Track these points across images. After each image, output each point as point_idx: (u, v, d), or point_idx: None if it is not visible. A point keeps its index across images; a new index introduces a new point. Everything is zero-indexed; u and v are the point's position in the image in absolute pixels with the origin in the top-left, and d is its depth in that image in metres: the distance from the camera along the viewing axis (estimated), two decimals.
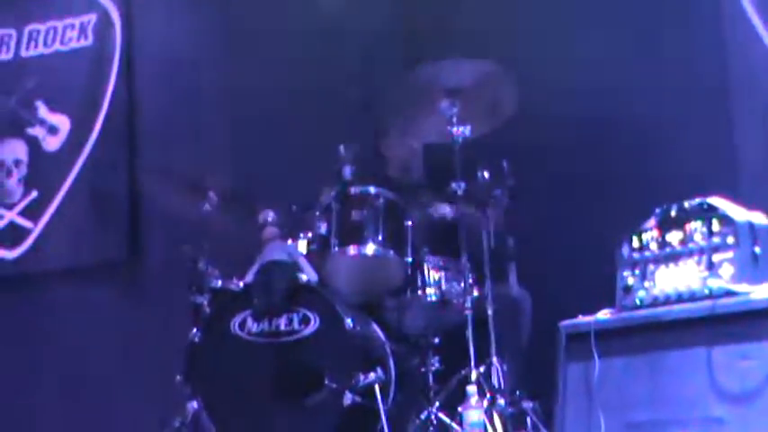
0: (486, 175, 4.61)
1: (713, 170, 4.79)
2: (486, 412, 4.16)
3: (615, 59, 5.16)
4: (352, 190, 4.68)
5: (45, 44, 6.55)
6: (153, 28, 6.39)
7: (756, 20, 5.07)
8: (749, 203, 3.68)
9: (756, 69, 5.05)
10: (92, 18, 6.48)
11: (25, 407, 5.74)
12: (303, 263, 4.58)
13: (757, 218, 3.59)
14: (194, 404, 4.45)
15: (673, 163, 4.93)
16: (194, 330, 4.57)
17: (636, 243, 3.69)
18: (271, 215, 4.86)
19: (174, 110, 6.14)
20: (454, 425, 4.26)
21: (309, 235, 4.72)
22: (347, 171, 4.73)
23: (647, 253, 3.66)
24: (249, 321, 4.46)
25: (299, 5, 5.79)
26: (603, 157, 5.12)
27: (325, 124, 5.38)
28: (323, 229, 4.65)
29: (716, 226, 3.55)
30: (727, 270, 3.49)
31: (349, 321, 4.36)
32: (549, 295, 4.67)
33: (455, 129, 4.61)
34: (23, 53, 6.59)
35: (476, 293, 4.58)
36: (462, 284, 4.58)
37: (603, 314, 3.70)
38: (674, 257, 3.61)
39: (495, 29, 5.32)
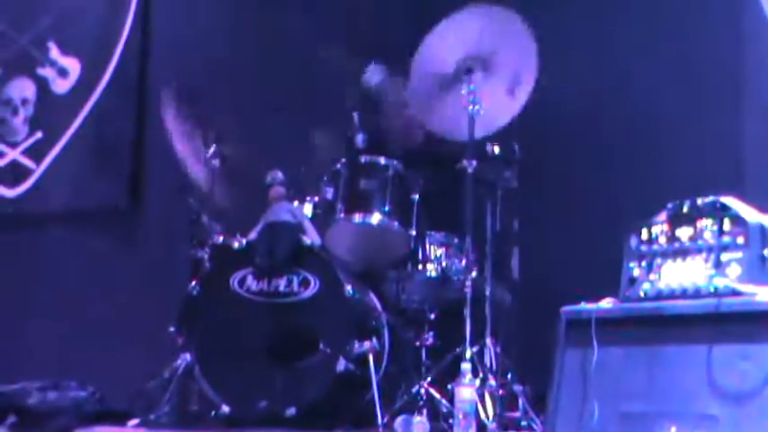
0: (496, 150, 4.61)
1: (722, 167, 4.80)
2: (476, 391, 4.19)
3: (632, 56, 5.15)
4: (363, 158, 4.69)
5: None
6: None
7: None
8: (756, 202, 3.68)
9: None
10: None
11: (18, 348, 5.73)
12: (308, 226, 4.60)
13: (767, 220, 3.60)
14: (186, 357, 4.46)
15: (682, 158, 4.96)
16: (193, 283, 4.57)
17: (645, 235, 3.68)
18: (279, 175, 4.85)
19: (189, 63, 6.08)
20: (443, 401, 4.28)
21: (316, 199, 4.74)
22: (360, 139, 4.75)
23: (655, 246, 3.66)
24: (249, 279, 4.48)
25: None
26: (615, 147, 5.13)
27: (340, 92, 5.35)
28: (330, 194, 4.67)
29: (727, 225, 3.54)
30: (734, 270, 3.49)
31: (349, 288, 4.38)
32: (550, 281, 4.69)
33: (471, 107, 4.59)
34: None
35: (475, 273, 4.55)
36: (463, 262, 4.59)
37: (606, 303, 3.70)
38: (682, 253, 3.60)
39: None
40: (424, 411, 4.25)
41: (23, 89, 6.50)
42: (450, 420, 4.15)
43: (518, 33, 4.51)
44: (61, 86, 6.45)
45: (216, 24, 6.10)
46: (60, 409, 4.47)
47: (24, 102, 6.49)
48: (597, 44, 5.23)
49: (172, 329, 4.54)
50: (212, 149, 4.82)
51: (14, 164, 6.44)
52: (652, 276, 3.63)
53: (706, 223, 3.58)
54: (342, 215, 4.60)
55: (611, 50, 5.19)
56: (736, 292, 3.44)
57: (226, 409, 4.36)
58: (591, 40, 5.24)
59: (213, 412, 4.40)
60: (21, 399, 4.51)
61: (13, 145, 6.46)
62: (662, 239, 3.66)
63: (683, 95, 5.06)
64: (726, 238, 3.53)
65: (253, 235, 4.60)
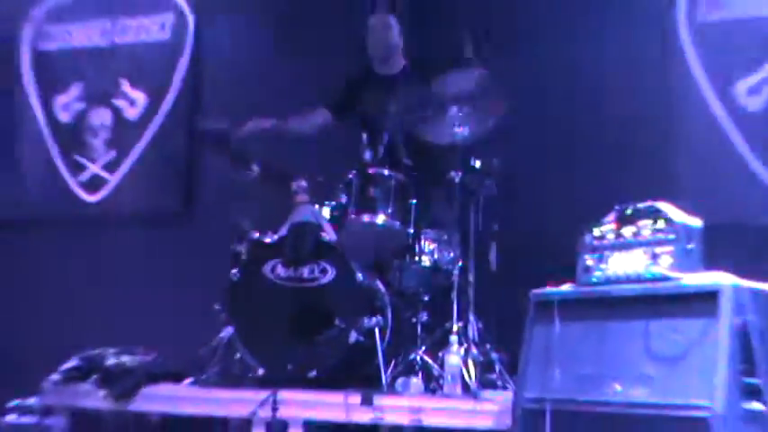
0: (478, 164, 4.57)
1: (657, 179, 4.79)
2: (462, 358, 4.17)
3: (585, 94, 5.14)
4: (370, 170, 4.66)
5: (133, 35, 6.52)
6: (218, 28, 6.34)
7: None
8: (682, 206, 3.67)
9: (691, 104, 5.07)
10: (170, 17, 6.44)
11: (98, 321, 5.72)
12: (326, 225, 4.56)
13: (692, 221, 3.57)
14: (229, 329, 4.45)
15: (626, 172, 4.95)
16: (233, 271, 4.55)
17: (597, 233, 3.66)
18: (303, 184, 4.80)
19: (230, 96, 6.06)
20: (435, 365, 4.27)
21: (332, 203, 4.70)
22: (367, 155, 4.72)
23: (605, 241, 3.63)
24: (279, 268, 4.45)
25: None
26: (575, 164, 5.12)
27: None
28: (343, 199, 4.65)
29: (661, 225, 3.52)
30: (666, 260, 3.47)
31: (359, 275, 4.36)
32: (521, 270, 4.63)
33: (457, 128, 4.56)
34: (116, 40, 6.55)
35: (461, 264, 4.53)
36: (451, 255, 4.57)
37: (566, 287, 3.68)
38: (626, 246, 3.58)
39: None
40: (420, 374, 4.24)
41: (102, 117, 6.50)
42: (441, 381, 4.15)
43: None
44: (131, 114, 6.44)
45: (256, 59, 6.05)
46: (132, 370, 4.44)
47: (103, 126, 6.49)
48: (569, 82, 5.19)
49: (217, 308, 4.53)
50: (255, 168, 4.82)
51: (95, 176, 6.44)
52: (602, 266, 3.61)
53: (645, 223, 3.56)
54: (353, 216, 4.58)
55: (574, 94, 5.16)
56: (667, 278, 3.43)
57: (260, 371, 4.34)
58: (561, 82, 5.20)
59: (250, 374, 4.39)
60: (102, 361, 4.49)
61: (94, 161, 6.47)
62: (610, 236, 3.63)
63: (627, 129, 5.06)
64: (660, 235, 3.51)
65: (282, 232, 4.57)
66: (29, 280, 6.17)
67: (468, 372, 4.16)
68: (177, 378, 4.48)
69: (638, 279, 3.50)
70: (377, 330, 4.27)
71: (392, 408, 3.97)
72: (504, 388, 4.25)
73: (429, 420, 3.92)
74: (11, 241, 6.31)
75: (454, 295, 4.40)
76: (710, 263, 3.51)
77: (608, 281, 3.57)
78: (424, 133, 4.73)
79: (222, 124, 4.91)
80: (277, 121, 5.11)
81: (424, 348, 4.36)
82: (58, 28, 6.65)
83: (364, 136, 4.76)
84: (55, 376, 4.46)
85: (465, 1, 5.52)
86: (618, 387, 3.35)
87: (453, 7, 5.51)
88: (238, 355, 4.46)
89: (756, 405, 3.19)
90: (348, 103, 5.20)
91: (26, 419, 4.42)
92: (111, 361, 4.49)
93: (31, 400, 4.46)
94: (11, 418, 4.46)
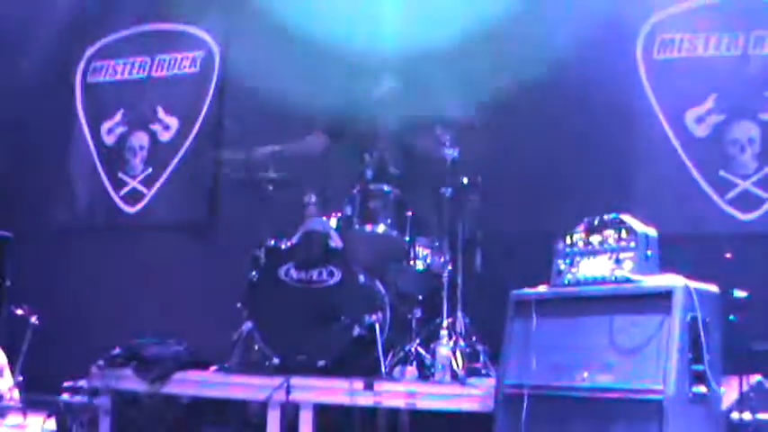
0: (465, 180, 4.58)
1: (618, 195, 4.78)
2: (451, 349, 4.17)
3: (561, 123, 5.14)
4: (372, 186, 4.66)
5: (168, 69, 6.52)
6: (241, 63, 6.29)
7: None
8: (643, 216, 3.68)
9: (649, 129, 5.09)
10: (201, 53, 6.44)
11: (136, 317, 5.72)
12: (333, 233, 4.56)
13: (651, 231, 3.59)
14: (249, 324, 4.45)
15: (593, 189, 4.94)
16: (253, 273, 4.56)
17: (568, 240, 3.69)
18: (313, 198, 4.81)
19: (249, 122, 6.04)
20: (428, 356, 4.27)
21: (339, 214, 4.70)
22: (369, 173, 4.72)
23: (575, 248, 3.67)
24: (292, 270, 4.46)
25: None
26: (548, 182, 5.10)
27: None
28: (348, 211, 4.65)
29: (624, 234, 3.56)
30: (628, 265, 3.51)
31: (361, 277, 4.37)
32: (503, 273, 4.59)
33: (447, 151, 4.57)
34: (153, 74, 6.55)
35: (450, 267, 4.52)
36: (442, 260, 4.57)
37: (542, 288, 3.70)
38: (593, 253, 3.61)
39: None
40: (414, 363, 4.24)
41: (141, 139, 6.49)
42: (433, 370, 4.16)
43: None
44: (165, 137, 6.44)
45: (274, 89, 6.01)
46: (165, 358, 4.45)
47: (141, 147, 6.50)
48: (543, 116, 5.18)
49: (239, 305, 4.53)
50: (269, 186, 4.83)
51: (134, 190, 6.43)
52: (573, 269, 3.64)
53: (610, 232, 3.59)
54: (357, 226, 4.58)
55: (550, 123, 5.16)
56: (629, 281, 3.46)
57: (276, 360, 4.34)
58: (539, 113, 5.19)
59: (267, 362, 4.39)
60: (139, 350, 4.50)
61: (133, 177, 6.46)
62: (580, 243, 3.67)
63: (593, 150, 5.07)
64: (623, 243, 3.54)
65: (294, 239, 4.58)
66: (79, 279, 6.17)
67: (457, 361, 4.17)
68: (204, 366, 4.49)
69: (604, 281, 3.53)
70: (377, 326, 4.27)
71: (390, 393, 3.99)
72: (488, 375, 4.24)
73: (422, 404, 3.94)
74: (64, 245, 6.32)
75: (444, 294, 4.41)
76: (665, 267, 3.53)
77: (578, 283, 3.60)
78: (416, 149, 4.70)
79: (239, 155, 4.89)
80: (284, 145, 4.97)
81: (418, 341, 4.36)
82: (105, 63, 6.68)
83: (366, 156, 4.76)
84: (100, 362, 4.47)
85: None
86: (586, 374, 3.37)
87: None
88: (257, 347, 4.47)
89: (702, 388, 3.24)
90: (343, 128, 5.05)
91: (77, 399, 4.44)
92: (147, 350, 4.50)
93: (81, 382, 4.49)
94: (64, 396, 4.47)
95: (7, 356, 4.94)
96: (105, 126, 6.58)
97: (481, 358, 4.37)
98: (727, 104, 4.97)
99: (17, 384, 4.79)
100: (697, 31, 5.10)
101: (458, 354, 4.20)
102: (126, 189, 6.45)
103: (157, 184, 6.37)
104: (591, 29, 5.06)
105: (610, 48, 5.19)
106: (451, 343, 4.20)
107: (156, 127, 6.46)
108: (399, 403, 4.00)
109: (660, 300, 3.30)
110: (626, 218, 3.59)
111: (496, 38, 5.23)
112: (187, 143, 6.34)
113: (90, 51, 6.72)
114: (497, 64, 5.23)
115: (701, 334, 3.24)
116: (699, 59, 5.07)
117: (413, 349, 4.30)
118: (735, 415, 3.41)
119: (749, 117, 4.93)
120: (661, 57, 5.19)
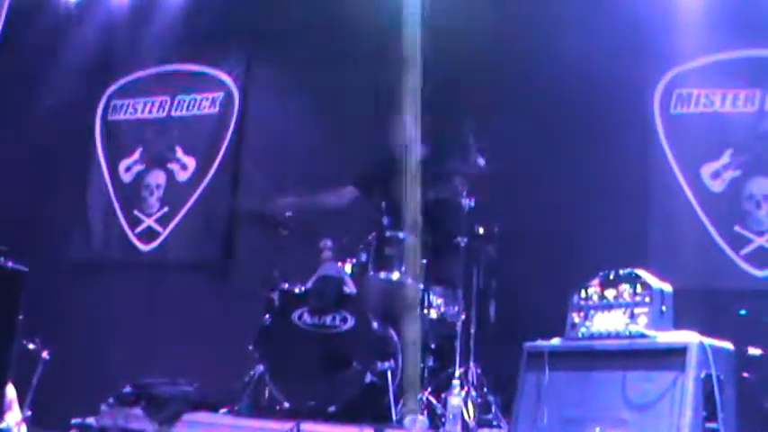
0: (481, 230, 4.62)
1: (635, 251, 4.83)
2: (462, 399, 4.18)
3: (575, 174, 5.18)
4: (387, 233, 4.69)
5: (187, 109, 6.60)
6: (260, 106, 6.41)
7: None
8: (658, 272, 3.71)
9: (665, 184, 5.14)
10: (220, 95, 6.52)
11: (147, 356, 5.76)
12: (347, 279, 4.59)
13: (666, 286, 3.62)
14: (260, 367, 4.47)
15: (609, 244, 4.91)
16: (266, 316, 4.59)
17: (583, 294, 3.73)
18: (328, 243, 4.85)
19: (267, 166, 6.15)
20: (439, 405, 4.27)
21: (354, 261, 4.72)
22: (385, 220, 4.76)
23: (590, 302, 3.70)
24: (305, 315, 4.48)
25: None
26: (564, 234, 5.09)
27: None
28: (364, 257, 4.68)
29: (639, 289, 3.59)
30: (642, 320, 3.53)
31: (375, 324, 4.39)
32: (516, 324, 4.62)
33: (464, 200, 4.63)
34: (173, 114, 6.65)
35: (463, 317, 4.53)
36: (456, 309, 4.59)
37: (555, 341, 3.73)
38: (608, 307, 3.64)
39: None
40: (425, 412, 4.23)
41: (158, 177, 6.57)
42: (443, 419, 4.15)
43: None
44: (182, 176, 6.51)
45: (293, 133, 6.11)
46: (175, 398, 4.44)
47: (158, 186, 6.56)
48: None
49: (251, 348, 4.55)
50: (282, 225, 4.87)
51: (149, 228, 6.50)
52: (587, 323, 3.67)
53: (625, 287, 3.63)
54: (372, 273, 4.61)
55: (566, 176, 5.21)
56: (643, 336, 3.48)
57: (286, 404, 4.35)
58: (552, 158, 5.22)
59: (278, 406, 4.39)
60: (149, 389, 4.50)
61: (149, 215, 6.53)
62: (594, 297, 3.70)
63: (610, 204, 5.09)
64: (638, 298, 3.58)
65: (309, 284, 4.61)
66: (91, 315, 6.17)
67: (468, 412, 4.17)
68: (214, 407, 4.49)
69: (618, 335, 3.55)
70: (389, 373, 4.28)
71: None
72: (499, 427, 4.24)
73: None
74: (78, 280, 6.37)
75: (457, 344, 4.41)
76: (680, 323, 3.56)
77: (592, 336, 3.63)
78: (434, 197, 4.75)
79: (257, 208, 4.94)
80: (309, 196, 5.00)
81: (429, 390, 4.37)
82: (125, 102, 6.79)
83: (383, 204, 4.81)
84: (110, 400, 4.48)
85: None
86: (598, 429, 3.38)
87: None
88: (268, 390, 4.47)
89: None
90: (375, 184, 5.03)
91: None
92: (157, 390, 4.50)
93: (90, 420, 4.48)
94: None
95: (17, 390, 4.96)
96: (123, 164, 6.66)
97: (492, 409, 4.36)
98: (744, 160, 5.04)
99: (25, 419, 4.80)
100: (714, 87, 5.18)
101: (469, 404, 4.20)
102: (141, 227, 6.50)
103: (173, 224, 6.41)
104: (608, 83, 5.14)
105: (627, 101, 5.27)
106: (463, 393, 4.20)
107: (173, 166, 6.53)
108: None
109: (674, 356, 3.32)
110: (641, 272, 3.63)
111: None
112: (204, 183, 6.40)
113: (111, 89, 6.84)
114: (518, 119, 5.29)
115: (716, 391, 3.25)
116: (715, 114, 5.15)
117: (424, 398, 4.29)
118: None
119: (765, 173, 4.99)
120: (678, 111, 5.27)
